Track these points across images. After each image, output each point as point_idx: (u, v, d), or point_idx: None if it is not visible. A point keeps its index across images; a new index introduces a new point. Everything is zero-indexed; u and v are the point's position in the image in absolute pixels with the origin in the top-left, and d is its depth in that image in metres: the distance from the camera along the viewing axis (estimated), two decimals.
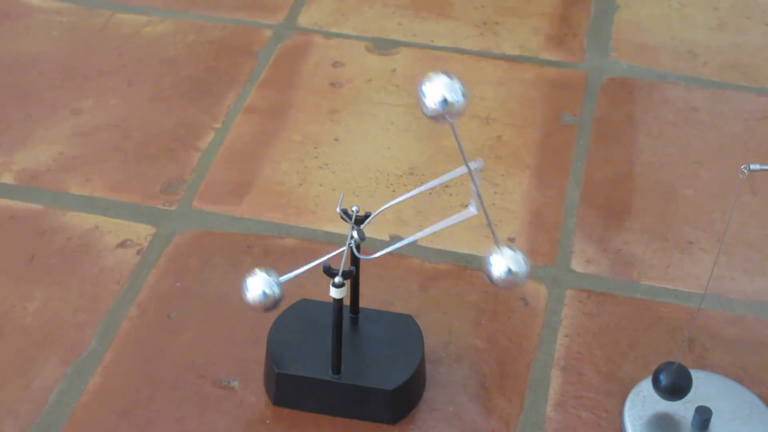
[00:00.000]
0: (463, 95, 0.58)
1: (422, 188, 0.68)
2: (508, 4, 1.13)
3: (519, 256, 0.63)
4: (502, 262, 0.63)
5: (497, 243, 0.63)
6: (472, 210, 0.63)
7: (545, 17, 1.11)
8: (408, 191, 0.89)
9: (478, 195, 0.63)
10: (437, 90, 0.57)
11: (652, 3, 1.14)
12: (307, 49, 1.06)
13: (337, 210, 0.67)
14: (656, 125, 0.97)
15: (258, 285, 0.66)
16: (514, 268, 0.62)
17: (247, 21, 1.10)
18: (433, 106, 0.58)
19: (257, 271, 0.66)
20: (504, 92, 1.01)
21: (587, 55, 1.06)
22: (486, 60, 1.05)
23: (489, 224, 0.63)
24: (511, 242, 0.85)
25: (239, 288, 0.67)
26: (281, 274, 0.67)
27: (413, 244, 0.84)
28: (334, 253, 0.68)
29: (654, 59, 1.05)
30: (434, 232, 0.85)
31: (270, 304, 0.66)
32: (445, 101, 0.57)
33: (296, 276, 0.67)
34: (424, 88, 0.58)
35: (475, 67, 1.04)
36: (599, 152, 0.94)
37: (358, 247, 0.67)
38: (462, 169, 0.64)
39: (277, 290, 0.66)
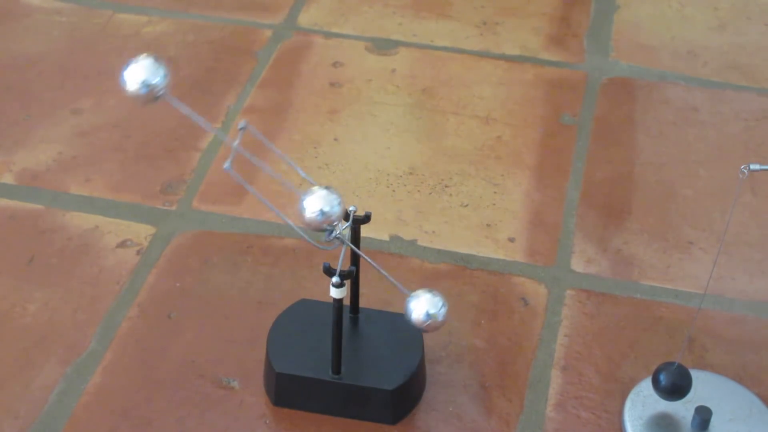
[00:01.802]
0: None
1: None
2: (508, 4, 1.13)
3: (438, 300, 0.63)
4: (419, 307, 0.63)
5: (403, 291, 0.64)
6: (226, 165, 0.63)
7: (545, 17, 1.11)
8: (408, 191, 0.89)
9: (238, 148, 0.62)
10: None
11: (652, 3, 1.14)
12: (307, 49, 1.06)
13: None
14: (656, 125, 0.97)
15: (139, 74, 0.61)
16: (431, 311, 0.63)
17: (247, 21, 1.10)
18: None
19: (141, 57, 0.62)
20: (504, 92, 1.01)
21: (587, 55, 1.06)
22: (486, 60, 1.05)
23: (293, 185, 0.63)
24: (511, 241, 0.85)
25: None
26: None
27: (413, 244, 0.84)
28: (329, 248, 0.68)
29: (654, 59, 1.05)
30: (436, 233, 0.85)
31: (151, 97, 0.61)
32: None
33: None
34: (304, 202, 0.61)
35: (475, 67, 1.04)
36: (599, 152, 0.94)
37: (356, 241, 0.66)
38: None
39: (161, 80, 0.61)
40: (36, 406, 0.72)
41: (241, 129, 0.63)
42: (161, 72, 0.59)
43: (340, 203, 0.62)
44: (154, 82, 0.59)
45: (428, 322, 0.63)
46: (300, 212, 0.63)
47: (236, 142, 0.62)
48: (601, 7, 1.13)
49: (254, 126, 0.96)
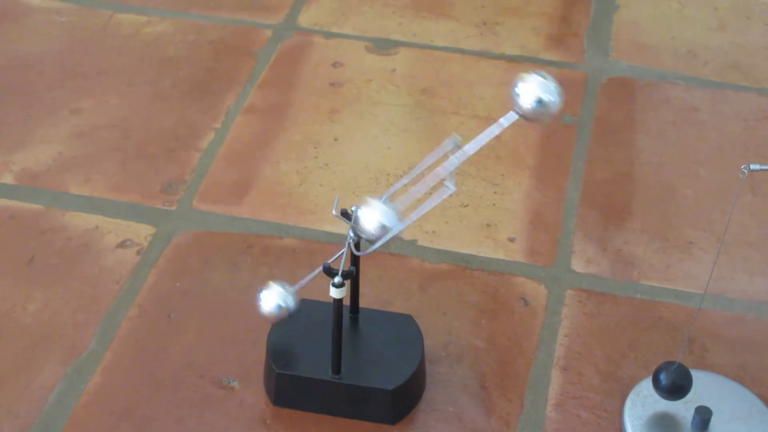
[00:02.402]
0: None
1: (412, 173, 0.68)
2: (508, 4, 1.13)
3: (551, 84, 0.58)
4: (531, 91, 0.58)
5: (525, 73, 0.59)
6: (451, 187, 0.63)
7: (545, 17, 1.11)
8: (408, 191, 0.89)
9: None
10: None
11: (652, 3, 1.14)
12: (307, 49, 1.06)
13: (333, 213, 0.67)
14: (656, 125, 0.97)
15: (273, 298, 0.70)
16: (545, 98, 0.58)
17: (247, 21, 1.10)
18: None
19: (272, 284, 0.70)
20: (504, 92, 1.01)
21: (587, 55, 1.06)
22: (486, 60, 1.05)
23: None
24: (511, 241, 0.85)
25: (254, 300, 0.70)
26: (281, 279, 0.67)
27: (413, 244, 0.84)
28: (337, 255, 0.68)
29: (654, 59, 1.05)
30: (436, 233, 0.85)
31: (284, 315, 0.70)
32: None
33: (294, 274, 0.67)
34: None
35: (475, 67, 1.04)
36: (599, 152, 0.94)
37: (357, 246, 0.67)
38: (443, 148, 0.64)
39: (291, 302, 0.70)
40: (36, 406, 0.72)
41: (455, 146, 0.62)
42: (291, 298, 0.70)
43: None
44: (287, 306, 0.70)
45: (541, 110, 0.58)
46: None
47: (455, 165, 0.62)
48: (601, 7, 1.13)
49: (254, 126, 0.96)
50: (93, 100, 0.99)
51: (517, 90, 0.59)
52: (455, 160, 0.62)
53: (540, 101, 0.58)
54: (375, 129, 0.96)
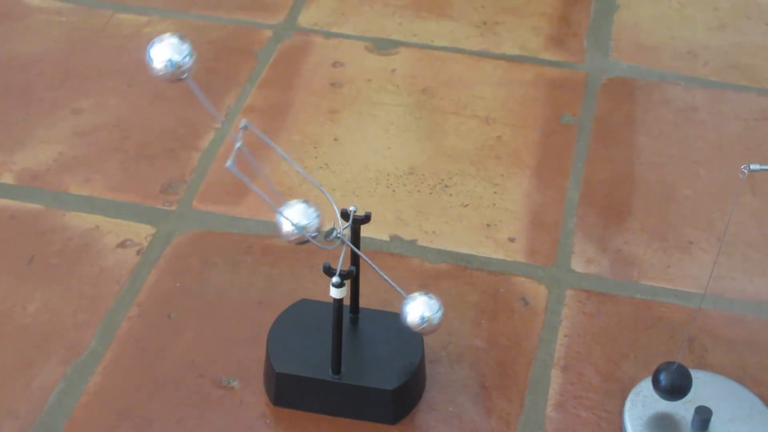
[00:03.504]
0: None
1: None
2: (508, 4, 1.13)
3: (434, 302, 0.64)
4: (415, 310, 0.64)
5: (403, 294, 0.65)
6: (228, 163, 0.62)
7: (545, 17, 1.11)
8: (408, 191, 0.89)
9: (242, 149, 0.62)
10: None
11: (652, 3, 1.14)
12: (307, 49, 1.06)
13: (336, 209, 0.67)
14: (656, 125, 0.97)
15: (165, 52, 0.58)
16: (426, 314, 0.64)
17: (247, 21, 1.10)
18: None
19: (166, 36, 0.58)
20: (504, 92, 1.01)
21: (587, 55, 1.06)
22: (486, 60, 1.05)
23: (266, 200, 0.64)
24: (511, 241, 0.85)
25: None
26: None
27: (413, 244, 0.84)
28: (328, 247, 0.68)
29: (654, 59, 1.05)
30: (436, 233, 0.85)
31: (178, 73, 0.58)
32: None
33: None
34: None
35: (475, 67, 1.04)
36: (599, 152, 0.94)
37: (357, 243, 0.67)
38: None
39: (188, 60, 0.58)
40: (36, 406, 0.72)
41: (242, 128, 0.63)
42: (186, 50, 0.57)
43: (317, 216, 0.63)
44: (179, 60, 0.57)
45: (424, 326, 0.64)
46: (277, 226, 0.64)
47: (238, 144, 0.62)
48: (601, 7, 1.13)
49: (254, 125, 0.96)
50: (93, 100, 0.99)
51: (406, 309, 0.65)
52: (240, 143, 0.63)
53: (423, 318, 0.64)
54: (375, 129, 0.96)
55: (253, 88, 1.01)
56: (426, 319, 0.64)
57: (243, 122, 0.63)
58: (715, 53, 1.06)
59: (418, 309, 0.64)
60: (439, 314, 0.64)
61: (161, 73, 0.57)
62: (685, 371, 0.68)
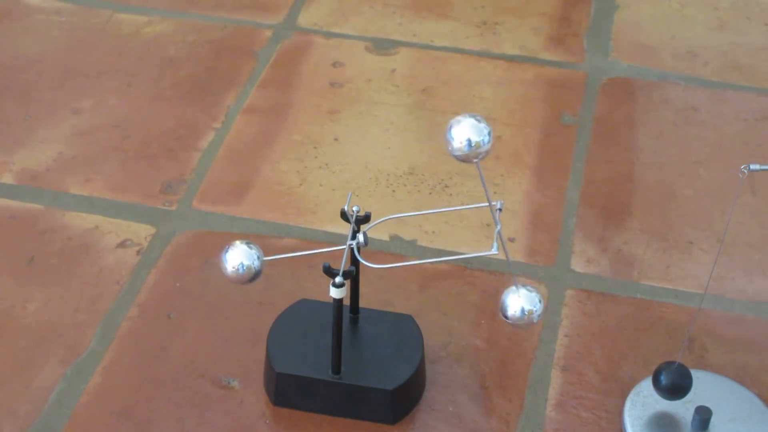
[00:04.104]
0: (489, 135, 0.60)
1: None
2: (508, 4, 1.13)
3: (534, 296, 0.64)
4: (517, 302, 0.64)
5: (515, 283, 0.64)
6: (494, 250, 0.64)
7: (545, 17, 1.11)
8: (408, 191, 0.89)
9: (500, 234, 0.64)
10: (463, 131, 0.59)
11: (652, 3, 1.14)
12: (307, 49, 1.06)
13: (345, 209, 0.67)
14: (656, 125, 0.97)
15: (237, 257, 0.65)
16: (527, 307, 0.64)
17: (247, 21, 1.10)
18: (459, 146, 0.60)
19: (237, 243, 0.65)
20: (504, 92, 1.01)
21: (587, 55, 1.06)
22: (486, 60, 1.05)
23: (508, 263, 0.64)
24: (511, 241, 0.85)
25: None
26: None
27: (413, 244, 0.84)
28: (326, 249, 0.68)
29: (654, 59, 1.05)
30: (435, 233, 0.85)
31: (248, 277, 0.65)
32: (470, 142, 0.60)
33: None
34: (452, 130, 0.60)
35: (475, 67, 1.04)
36: (599, 152, 0.94)
37: (359, 250, 0.67)
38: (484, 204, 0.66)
39: (257, 263, 0.65)
40: (36, 406, 0.72)
41: (498, 209, 0.65)
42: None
43: (489, 132, 0.61)
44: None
45: (524, 319, 0.63)
46: (502, 308, 0.64)
47: (498, 225, 0.64)
48: (601, 7, 1.13)
49: (254, 126, 0.96)
50: (93, 100, 0.99)
51: (502, 303, 0.65)
52: (499, 227, 0.64)
53: (523, 311, 0.64)
54: (375, 129, 0.96)
55: (253, 88, 1.01)
56: (526, 312, 0.63)
57: (499, 203, 0.65)
58: (715, 53, 1.06)
59: (519, 302, 0.63)
60: (540, 308, 0.63)
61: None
62: (685, 371, 0.68)
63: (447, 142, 0.60)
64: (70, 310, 0.78)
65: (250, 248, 0.65)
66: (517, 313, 0.63)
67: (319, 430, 0.71)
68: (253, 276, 0.65)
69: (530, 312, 0.63)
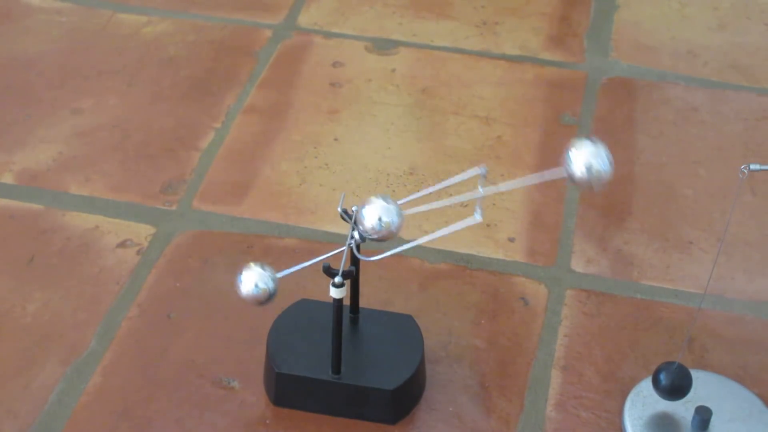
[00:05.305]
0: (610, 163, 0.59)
1: (428, 190, 0.70)
2: (508, 4, 1.13)
3: (602, 151, 0.61)
4: (580, 158, 0.61)
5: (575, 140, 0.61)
6: (477, 217, 0.64)
7: (545, 17, 1.11)
8: (408, 191, 0.89)
9: (481, 203, 0.64)
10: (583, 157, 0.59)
11: (652, 3, 1.14)
12: (307, 49, 1.06)
13: (338, 209, 0.67)
14: (656, 125, 0.97)
15: (252, 278, 0.66)
16: (596, 165, 0.61)
17: (247, 21, 1.10)
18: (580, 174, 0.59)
19: (252, 265, 0.66)
20: (504, 92, 1.01)
21: (587, 55, 1.06)
22: (486, 60, 1.05)
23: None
24: (511, 241, 0.85)
25: (234, 282, 0.66)
26: (281, 279, 0.67)
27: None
28: (334, 252, 0.68)
29: (654, 59, 1.05)
30: (433, 231, 0.85)
31: (263, 298, 0.66)
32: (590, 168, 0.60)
33: (295, 274, 0.67)
34: (570, 154, 0.60)
35: (475, 67, 1.04)
36: None
37: (358, 248, 0.67)
38: (468, 173, 0.65)
39: (271, 284, 0.66)
40: (36, 406, 0.72)
41: (481, 175, 0.65)
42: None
43: (398, 214, 0.65)
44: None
45: (589, 177, 0.61)
46: (360, 220, 0.64)
47: (481, 192, 0.64)
48: (601, 7, 1.13)
49: (254, 126, 0.96)
50: (93, 100, 0.99)
51: (569, 155, 0.62)
52: (483, 191, 0.64)
53: (590, 168, 0.61)
54: (375, 129, 0.96)
55: (253, 88, 1.01)
56: (592, 171, 0.60)
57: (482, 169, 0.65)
58: (715, 53, 1.06)
59: (583, 157, 0.61)
60: (608, 166, 0.60)
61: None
62: (685, 371, 0.68)
63: (360, 221, 0.63)
64: (70, 310, 0.79)
65: (264, 270, 0.66)
66: (584, 172, 0.60)
67: (319, 430, 0.71)
68: (268, 297, 0.66)
69: (599, 172, 0.61)
